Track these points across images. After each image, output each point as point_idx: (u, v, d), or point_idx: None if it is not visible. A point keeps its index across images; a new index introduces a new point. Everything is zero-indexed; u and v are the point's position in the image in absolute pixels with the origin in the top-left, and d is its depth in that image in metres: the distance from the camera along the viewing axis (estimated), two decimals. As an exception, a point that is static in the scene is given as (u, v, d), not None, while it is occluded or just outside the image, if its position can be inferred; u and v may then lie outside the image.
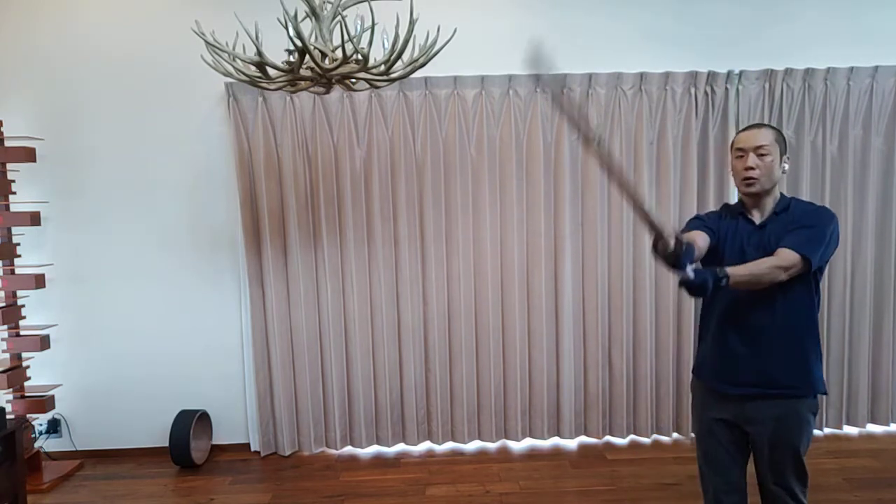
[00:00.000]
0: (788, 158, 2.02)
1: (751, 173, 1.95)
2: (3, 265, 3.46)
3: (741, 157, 1.98)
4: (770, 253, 1.91)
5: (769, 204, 2.00)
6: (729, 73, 3.64)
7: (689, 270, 1.69)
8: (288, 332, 3.69)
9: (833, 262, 3.76)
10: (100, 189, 3.69)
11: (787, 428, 1.98)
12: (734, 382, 2.02)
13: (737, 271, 1.79)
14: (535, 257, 3.70)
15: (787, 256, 1.85)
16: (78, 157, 3.67)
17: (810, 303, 1.97)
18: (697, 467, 2.23)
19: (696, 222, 2.10)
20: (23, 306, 3.53)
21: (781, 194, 2.03)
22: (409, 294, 3.69)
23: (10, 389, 3.44)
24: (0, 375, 3.37)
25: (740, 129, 2.09)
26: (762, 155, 1.94)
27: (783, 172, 1.99)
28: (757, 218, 2.01)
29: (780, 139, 1.98)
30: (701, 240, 1.96)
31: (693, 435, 3.34)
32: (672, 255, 1.67)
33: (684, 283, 1.71)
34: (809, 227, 1.91)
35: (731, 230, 2.03)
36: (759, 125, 2.02)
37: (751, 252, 1.95)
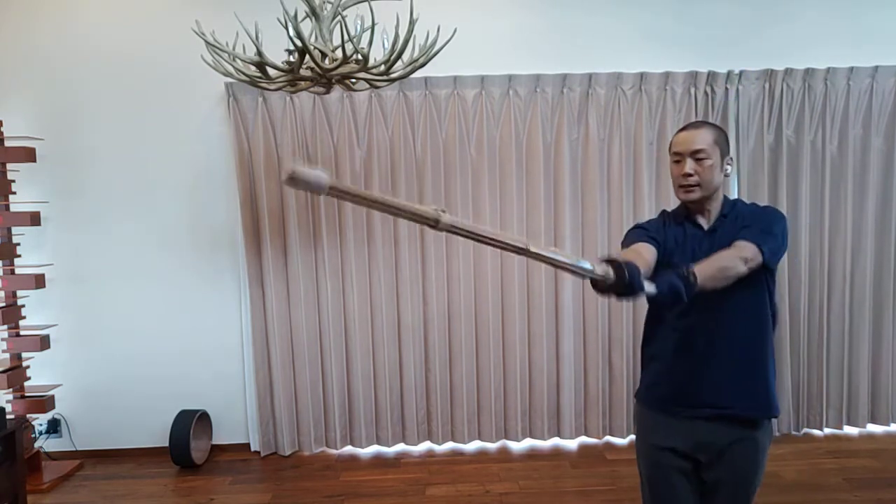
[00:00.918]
0: (731, 159, 1.86)
1: (689, 180, 1.78)
2: (3, 265, 3.46)
3: (678, 161, 1.80)
4: None
5: (714, 208, 1.84)
6: (729, 73, 3.64)
7: (650, 287, 1.47)
8: (288, 332, 3.70)
9: (833, 260, 3.77)
10: (100, 189, 3.69)
11: (743, 456, 1.80)
12: (687, 404, 1.82)
13: (702, 266, 1.60)
14: (535, 257, 3.69)
15: (744, 245, 1.69)
16: (78, 157, 3.67)
17: (765, 316, 1.80)
18: None
19: (639, 232, 1.90)
20: (23, 306, 3.53)
21: (725, 197, 1.86)
22: (409, 294, 3.69)
23: (10, 389, 3.44)
24: (0, 375, 3.37)
25: (679, 128, 1.89)
26: (700, 160, 1.77)
27: (725, 175, 1.82)
28: (705, 223, 1.84)
29: (722, 139, 1.81)
30: (647, 252, 1.77)
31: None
32: (620, 284, 1.41)
33: (656, 300, 1.52)
34: (759, 223, 1.77)
35: (679, 237, 1.85)
36: (699, 124, 1.83)
37: (700, 258, 1.73)
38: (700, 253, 1.77)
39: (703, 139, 1.77)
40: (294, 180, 1.12)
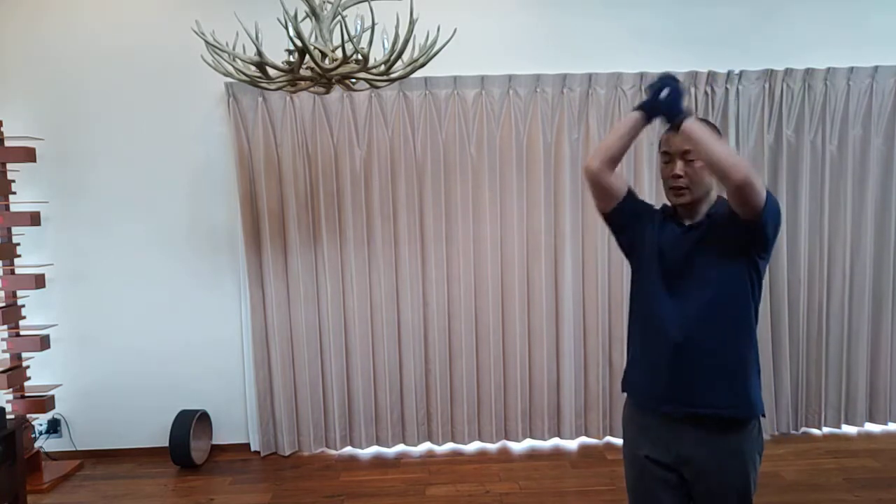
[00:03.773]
0: None
1: (679, 182, 1.68)
2: (3, 265, 3.46)
3: (668, 162, 1.71)
4: (701, 257, 1.68)
5: (703, 209, 1.73)
6: (729, 73, 3.64)
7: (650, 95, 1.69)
8: (288, 332, 3.70)
9: (832, 260, 3.77)
10: (100, 189, 3.69)
11: (729, 469, 1.70)
12: (658, 398, 1.74)
13: (705, 128, 1.61)
14: (535, 257, 3.70)
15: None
16: (78, 157, 3.67)
17: (748, 308, 1.70)
18: None
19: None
20: (23, 306, 3.53)
21: (719, 197, 1.74)
22: (409, 294, 3.69)
23: (10, 389, 3.44)
24: (0, 375, 3.37)
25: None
26: (690, 160, 1.66)
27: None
28: (687, 221, 1.75)
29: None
30: (619, 181, 1.80)
31: None
32: (666, 98, 1.64)
33: (652, 93, 1.67)
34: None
35: (657, 229, 1.77)
36: None
37: (675, 256, 1.71)
38: (675, 252, 1.71)
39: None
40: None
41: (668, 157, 1.72)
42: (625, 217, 1.83)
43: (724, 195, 1.68)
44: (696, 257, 1.70)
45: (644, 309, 1.79)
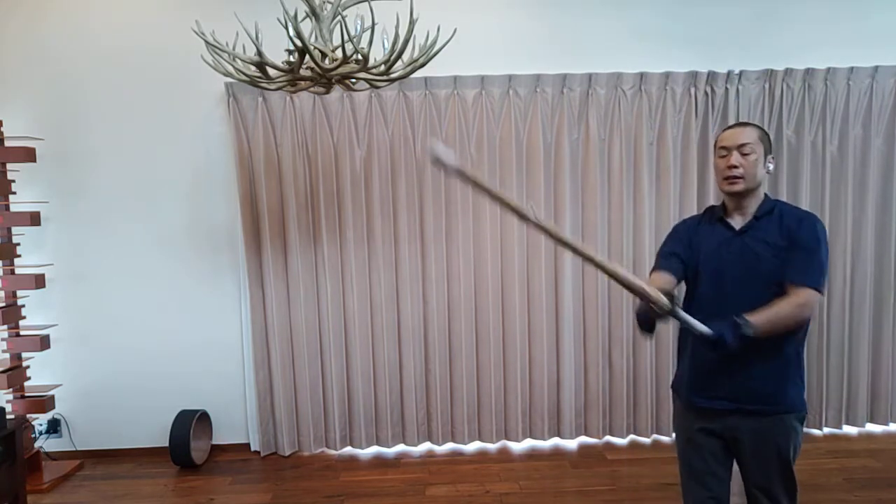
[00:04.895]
0: (773, 158, 1.96)
1: (733, 171, 1.89)
2: (3, 265, 3.46)
3: (724, 155, 1.92)
4: (750, 261, 1.88)
5: (752, 206, 1.93)
6: (729, 73, 3.64)
7: (703, 326, 1.73)
8: (288, 332, 3.70)
9: (832, 261, 3.76)
10: (100, 189, 3.69)
11: (772, 437, 1.92)
12: (710, 396, 1.96)
13: (759, 320, 1.73)
14: (535, 257, 3.70)
15: (799, 292, 1.79)
16: (78, 157, 3.67)
17: None
18: (680, 485, 2.12)
19: (666, 251, 2.05)
20: (23, 306, 3.53)
21: (766, 195, 1.96)
22: (409, 293, 3.68)
23: (10, 389, 3.44)
24: (0, 375, 3.37)
25: (725, 127, 2.03)
26: (746, 154, 1.89)
27: (767, 172, 1.93)
28: (737, 223, 1.95)
29: (765, 138, 1.93)
30: (666, 284, 1.90)
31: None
32: (665, 311, 1.69)
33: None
34: (810, 250, 1.84)
35: (707, 235, 1.98)
36: (744, 123, 1.97)
37: (729, 259, 1.91)
38: (727, 253, 1.91)
39: (748, 135, 1.90)
40: (434, 160, 1.59)
41: (725, 151, 1.92)
42: (688, 264, 2.01)
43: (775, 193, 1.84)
44: (740, 260, 1.90)
45: (701, 311, 1.87)
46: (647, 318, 1.81)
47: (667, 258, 2.01)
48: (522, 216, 1.67)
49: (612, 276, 1.70)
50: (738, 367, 1.88)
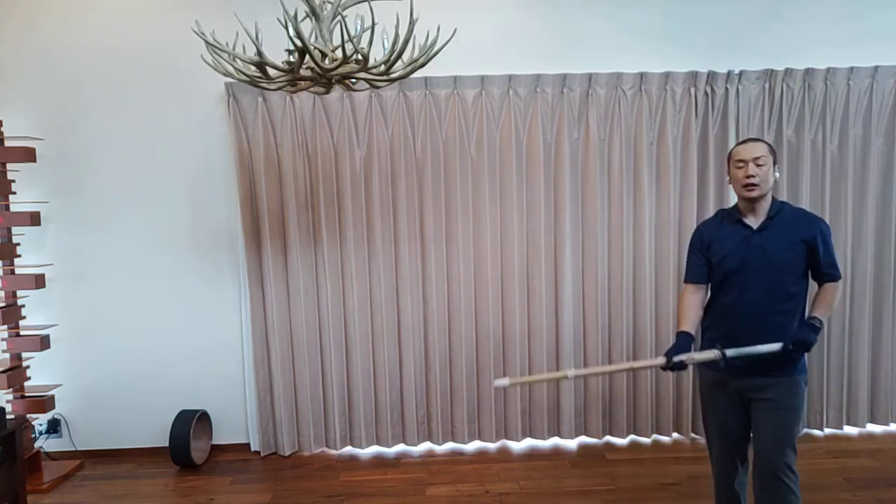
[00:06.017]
0: (778, 167, 2.33)
1: (752, 180, 2.24)
2: (3, 265, 3.46)
3: (741, 167, 2.27)
4: (769, 255, 2.26)
5: (764, 207, 2.30)
6: (729, 73, 3.64)
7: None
8: (288, 332, 3.70)
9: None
10: (100, 189, 3.69)
11: (786, 389, 2.27)
12: (734, 368, 2.29)
13: (821, 314, 2.26)
14: (535, 256, 3.70)
15: (839, 286, 2.31)
16: (78, 157, 3.67)
17: (804, 300, 2.32)
18: (704, 429, 2.52)
19: (693, 261, 2.44)
20: (23, 306, 3.53)
21: (773, 198, 2.33)
22: (409, 293, 3.69)
23: (10, 389, 3.45)
24: (0, 375, 3.37)
25: (737, 143, 2.46)
26: (760, 165, 2.25)
27: (775, 179, 2.31)
28: (753, 222, 2.30)
29: (772, 151, 2.30)
30: (697, 305, 2.44)
31: (693, 435, 3.83)
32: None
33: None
34: (829, 252, 2.29)
35: (730, 234, 2.34)
36: (755, 140, 2.33)
37: (752, 254, 2.27)
38: (750, 249, 2.27)
39: (761, 149, 2.27)
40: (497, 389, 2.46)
41: (742, 163, 2.27)
42: (711, 263, 2.40)
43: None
44: (762, 254, 2.26)
45: (720, 297, 2.35)
46: (684, 365, 2.25)
47: (696, 269, 2.42)
48: (564, 378, 2.06)
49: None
50: (748, 339, 2.25)
